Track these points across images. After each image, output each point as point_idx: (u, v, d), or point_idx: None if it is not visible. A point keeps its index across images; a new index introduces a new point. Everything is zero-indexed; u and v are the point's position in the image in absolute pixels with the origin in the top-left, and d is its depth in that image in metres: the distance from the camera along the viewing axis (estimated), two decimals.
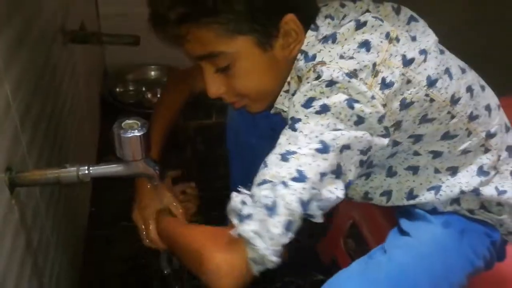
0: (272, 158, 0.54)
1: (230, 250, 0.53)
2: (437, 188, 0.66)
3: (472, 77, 0.66)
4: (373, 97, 0.54)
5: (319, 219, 0.54)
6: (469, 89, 0.63)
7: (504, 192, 0.66)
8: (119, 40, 1.01)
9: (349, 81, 0.54)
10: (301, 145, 0.53)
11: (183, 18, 0.58)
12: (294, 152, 0.53)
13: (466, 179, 0.65)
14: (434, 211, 0.68)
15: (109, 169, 0.60)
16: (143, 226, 0.73)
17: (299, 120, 0.55)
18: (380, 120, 0.55)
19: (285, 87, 0.66)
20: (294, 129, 0.55)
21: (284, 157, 0.53)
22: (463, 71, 0.64)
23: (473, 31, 1.75)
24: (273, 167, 0.53)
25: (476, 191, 0.65)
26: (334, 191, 0.53)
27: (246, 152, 0.94)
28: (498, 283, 0.74)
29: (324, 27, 0.62)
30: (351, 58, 0.56)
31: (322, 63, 0.57)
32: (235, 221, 0.52)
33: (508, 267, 0.74)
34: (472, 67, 0.68)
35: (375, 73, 0.55)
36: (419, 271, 0.63)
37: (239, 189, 0.54)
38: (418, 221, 0.68)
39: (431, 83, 0.58)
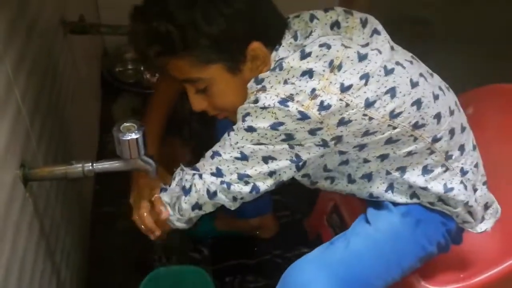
0: (208, 153, 0.72)
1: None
2: (391, 187, 0.75)
3: (425, 88, 0.69)
4: (303, 116, 0.62)
5: (231, 207, 0.74)
6: (417, 102, 0.67)
7: (451, 189, 0.73)
8: (117, 30, 1.06)
9: (279, 108, 0.63)
10: (225, 151, 0.69)
11: (159, 54, 0.66)
12: (219, 154, 0.70)
13: (413, 177, 0.73)
14: (398, 203, 0.76)
15: (111, 165, 0.68)
16: (138, 214, 0.80)
17: (233, 129, 0.68)
18: (313, 132, 0.64)
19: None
20: (228, 135, 0.69)
21: (213, 156, 0.71)
22: (415, 85, 0.68)
23: None
24: (203, 159, 0.72)
25: (424, 188, 0.73)
26: (244, 188, 0.70)
27: None
28: (457, 262, 0.84)
29: (283, 48, 0.68)
30: (292, 84, 0.63)
31: (263, 89, 0.65)
32: (164, 194, 0.76)
33: (467, 248, 0.84)
34: None
35: (313, 96, 0.63)
36: (371, 256, 0.72)
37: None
38: (381, 211, 0.76)
39: (369, 104, 0.64)
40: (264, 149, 0.67)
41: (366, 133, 0.67)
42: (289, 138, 0.65)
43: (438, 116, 0.71)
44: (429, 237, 0.75)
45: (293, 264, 0.73)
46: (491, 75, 1.79)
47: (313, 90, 0.63)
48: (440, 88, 0.73)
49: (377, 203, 0.78)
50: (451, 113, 0.73)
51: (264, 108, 0.64)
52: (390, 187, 0.75)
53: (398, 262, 0.74)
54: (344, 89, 0.63)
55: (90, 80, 1.40)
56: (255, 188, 0.70)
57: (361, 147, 0.69)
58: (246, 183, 0.70)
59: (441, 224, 0.76)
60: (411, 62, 0.71)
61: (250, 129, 0.66)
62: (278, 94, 0.63)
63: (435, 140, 0.71)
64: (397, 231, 0.74)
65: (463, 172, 0.75)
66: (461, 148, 0.75)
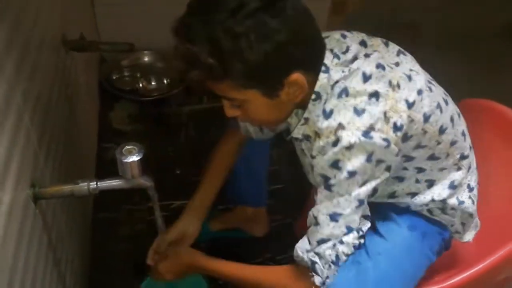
0: (322, 218, 0.72)
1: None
2: (413, 194, 0.82)
3: (453, 107, 0.79)
4: (388, 142, 0.67)
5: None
6: (452, 119, 0.76)
7: (463, 202, 0.82)
8: (115, 47, 1.11)
9: (364, 141, 0.66)
10: (344, 207, 0.70)
11: (200, 79, 0.67)
12: (340, 214, 0.71)
13: (439, 190, 0.80)
14: (403, 209, 0.83)
15: (113, 184, 0.74)
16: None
17: (332, 184, 0.69)
18: (397, 154, 0.70)
19: (294, 118, 0.77)
20: (330, 190, 0.70)
21: (333, 218, 0.71)
22: (446, 102, 0.77)
23: None
24: (326, 226, 0.72)
25: (443, 201, 0.81)
26: (368, 223, 0.75)
27: (256, 177, 1.14)
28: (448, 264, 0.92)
29: (334, 70, 0.70)
30: (364, 110, 0.67)
31: (342, 127, 0.67)
32: (317, 278, 0.74)
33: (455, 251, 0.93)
34: None
35: (387, 120, 0.67)
36: (396, 273, 0.79)
37: (300, 247, 0.75)
38: (390, 223, 0.83)
39: (426, 119, 0.71)
40: (372, 184, 0.70)
41: (418, 146, 0.73)
42: (386, 166, 0.69)
43: (463, 134, 0.79)
44: (432, 248, 0.83)
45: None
46: (483, 79, 1.86)
47: (385, 113, 0.67)
48: (456, 107, 0.81)
49: (381, 214, 0.83)
50: (466, 130, 0.82)
51: (350, 147, 0.66)
52: (413, 193, 0.81)
53: (414, 274, 0.82)
54: (410, 105, 0.69)
55: (88, 88, 1.45)
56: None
57: (408, 158, 0.75)
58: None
59: (438, 234, 0.85)
60: (434, 81, 0.79)
61: (351, 174, 0.68)
62: (358, 128, 0.66)
63: (462, 157, 0.79)
64: (410, 245, 0.81)
65: (470, 188, 0.84)
66: (471, 166, 0.83)
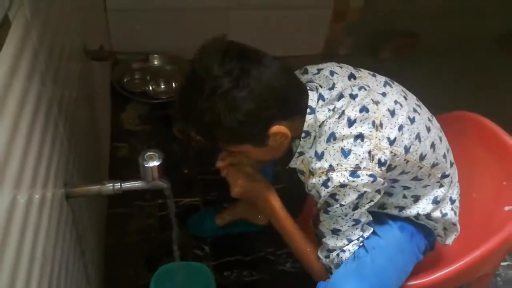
0: (327, 232, 0.86)
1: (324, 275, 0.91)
2: (401, 208, 0.92)
3: (435, 132, 0.88)
4: (374, 178, 0.77)
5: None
6: (432, 145, 0.86)
7: (446, 214, 0.92)
8: (132, 57, 1.20)
9: (352, 180, 0.77)
10: (342, 224, 0.84)
11: (203, 142, 0.85)
12: (339, 230, 0.85)
13: (424, 205, 0.91)
14: (392, 216, 0.94)
15: (135, 185, 0.84)
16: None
17: (329, 210, 0.82)
18: (384, 183, 0.81)
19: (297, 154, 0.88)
20: (328, 214, 0.83)
21: (334, 233, 0.85)
22: (428, 129, 0.86)
23: None
24: (331, 239, 0.86)
25: (428, 215, 0.91)
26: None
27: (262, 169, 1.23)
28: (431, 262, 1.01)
29: (319, 112, 0.81)
30: (350, 151, 0.77)
31: (332, 168, 0.78)
32: (330, 276, 0.88)
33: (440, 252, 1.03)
34: None
35: (371, 158, 0.78)
36: (391, 267, 0.89)
37: (320, 254, 0.90)
38: (383, 224, 0.93)
39: (407, 150, 0.81)
40: (365, 207, 0.83)
41: (402, 173, 0.84)
42: (376, 191, 0.81)
43: (445, 156, 0.89)
44: (419, 247, 0.94)
45: (332, 281, 0.86)
46: (477, 87, 1.94)
47: (369, 152, 0.77)
48: (440, 129, 0.91)
49: (375, 217, 0.93)
50: (448, 150, 0.91)
51: (342, 186, 0.77)
52: (400, 207, 0.93)
53: (405, 269, 0.92)
54: (392, 142, 0.79)
55: (103, 91, 1.54)
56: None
57: (394, 181, 0.86)
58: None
59: (424, 237, 0.95)
60: (419, 107, 0.88)
61: (344, 206, 0.80)
62: (346, 169, 0.77)
63: (444, 176, 0.90)
64: (401, 243, 0.92)
65: (452, 201, 0.94)
66: (452, 180, 0.93)
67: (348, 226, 0.84)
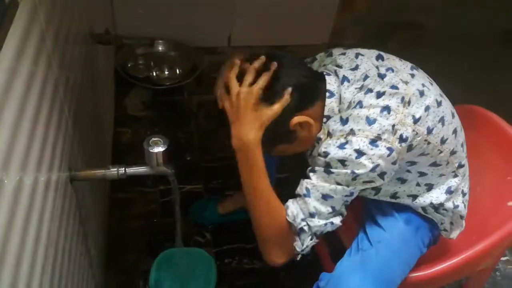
0: (315, 194, 0.80)
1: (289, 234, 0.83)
2: (414, 197, 0.91)
3: (457, 120, 0.88)
4: (391, 151, 0.76)
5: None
6: (455, 131, 0.86)
7: (457, 206, 0.92)
8: (137, 42, 1.19)
9: (371, 149, 0.75)
10: (337, 193, 0.79)
11: None
12: (332, 197, 0.79)
13: (437, 194, 0.89)
14: (400, 206, 0.92)
15: (140, 170, 0.84)
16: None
17: (333, 172, 0.78)
18: (394, 163, 0.79)
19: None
20: (329, 174, 0.78)
21: (324, 198, 0.80)
22: (453, 115, 0.86)
23: None
24: (316, 202, 0.80)
25: (440, 205, 0.90)
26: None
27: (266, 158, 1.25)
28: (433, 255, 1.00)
29: (346, 92, 0.82)
30: (375, 121, 0.76)
31: (353, 132, 0.77)
32: (298, 244, 0.82)
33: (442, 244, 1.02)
34: None
35: (394, 132, 0.77)
36: (395, 260, 0.88)
37: (293, 212, 0.81)
38: (388, 217, 0.92)
39: (429, 131, 0.80)
40: (366, 186, 0.80)
41: (422, 154, 0.83)
42: (382, 173, 0.79)
43: (463, 145, 0.89)
44: (423, 241, 0.93)
45: (336, 273, 0.85)
46: (482, 83, 1.93)
47: (393, 126, 0.77)
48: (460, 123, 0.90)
49: (380, 208, 0.93)
50: (464, 142, 0.91)
51: (358, 152, 0.75)
52: (413, 195, 0.90)
53: (408, 262, 0.91)
54: (416, 120, 0.79)
55: (106, 75, 1.54)
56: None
57: (412, 163, 0.85)
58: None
59: (429, 231, 0.94)
60: (443, 95, 0.87)
61: (353, 175, 0.77)
62: (367, 136, 0.76)
63: (460, 166, 0.89)
64: (405, 236, 0.90)
65: (463, 194, 0.93)
66: (465, 173, 0.93)
67: (341, 196, 0.80)
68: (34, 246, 0.55)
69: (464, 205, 0.94)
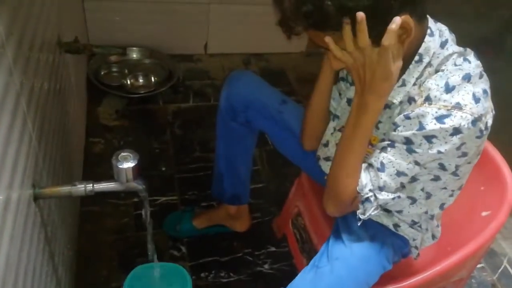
0: (390, 170, 0.76)
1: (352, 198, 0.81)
2: (413, 200, 0.86)
3: None
4: (482, 134, 0.70)
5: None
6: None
7: (438, 226, 0.93)
8: (108, 51, 1.15)
9: (470, 129, 0.68)
10: (413, 173, 0.76)
11: (305, 29, 0.72)
12: (406, 175, 0.76)
13: (432, 206, 0.87)
14: (369, 222, 0.88)
15: (108, 186, 0.80)
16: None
17: (416, 151, 0.73)
18: (467, 153, 0.73)
19: (400, 83, 0.77)
20: (411, 153, 0.73)
21: (398, 175, 0.76)
22: None
23: None
24: (388, 177, 0.76)
25: (432, 216, 0.89)
26: None
27: (240, 177, 1.22)
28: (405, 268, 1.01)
29: (447, 48, 0.74)
30: (479, 100, 0.69)
31: (459, 107, 0.69)
32: (361, 210, 0.80)
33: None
34: None
35: (491, 116, 0.72)
36: (349, 279, 0.84)
37: (364, 182, 0.78)
38: (353, 231, 0.88)
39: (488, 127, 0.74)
40: (443, 167, 0.75)
41: (468, 162, 0.78)
42: (463, 153, 0.73)
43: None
44: (388, 258, 0.90)
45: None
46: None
47: (492, 110, 0.73)
48: None
49: (347, 223, 0.90)
50: None
51: (456, 129, 0.68)
52: (413, 199, 0.86)
53: (367, 281, 0.87)
54: (492, 110, 0.74)
55: (77, 83, 1.49)
56: None
57: (457, 167, 0.78)
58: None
59: (398, 248, 0.93)
60: None
61: (439, 153, 0.71)
62: (472, 114, 0.68)
63: (460, 188, 0.87)
64: (367, 254, 0.87)
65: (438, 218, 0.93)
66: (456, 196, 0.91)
67: (414, 175, 0.77)
68: None
69: (439, 229, 0.94)
